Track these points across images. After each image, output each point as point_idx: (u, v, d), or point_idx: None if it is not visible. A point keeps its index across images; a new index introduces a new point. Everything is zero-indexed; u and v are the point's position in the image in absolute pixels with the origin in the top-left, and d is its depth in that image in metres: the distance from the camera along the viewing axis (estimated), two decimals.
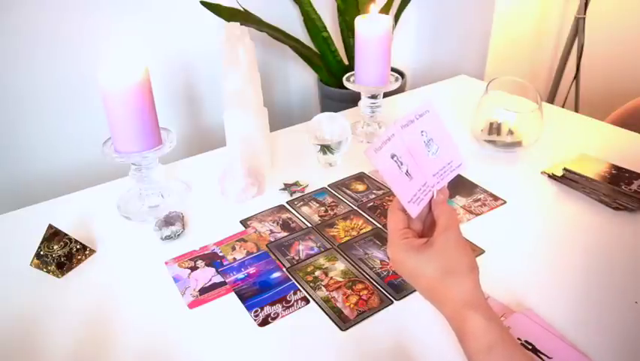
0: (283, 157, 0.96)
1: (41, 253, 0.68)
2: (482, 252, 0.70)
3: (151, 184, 0.81)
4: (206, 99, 1.42)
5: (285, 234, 0.76)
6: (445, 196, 0.51)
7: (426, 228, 0.52)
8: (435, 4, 1.71)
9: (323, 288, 0.65)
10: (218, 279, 0.67)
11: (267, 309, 0.62)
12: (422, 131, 0.50)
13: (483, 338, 0.44)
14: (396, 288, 0.64)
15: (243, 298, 0.64)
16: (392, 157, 0.48)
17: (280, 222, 0.78)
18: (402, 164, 0.49)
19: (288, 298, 0.64)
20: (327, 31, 1.43)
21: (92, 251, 0.73)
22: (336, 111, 0.93)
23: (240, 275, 0.68)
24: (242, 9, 1.29)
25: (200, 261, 0.71)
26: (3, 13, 1.06)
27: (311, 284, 0.66)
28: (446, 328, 0.47)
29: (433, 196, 0.51)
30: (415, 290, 0.63)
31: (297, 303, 0.63)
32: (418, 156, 0.50)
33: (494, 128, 0.95)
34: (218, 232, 0.76)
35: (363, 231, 0.76)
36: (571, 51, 1.74)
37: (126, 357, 0.57)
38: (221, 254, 0.72)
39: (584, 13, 1.66)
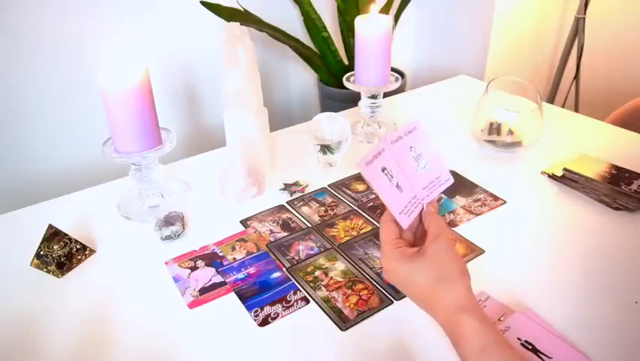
0: (283, 157, 0.96)
1: (41, 253, 0.68)
2: (482, 252, 0.70)
3: (151, 184, 0.81)
4: (206, 99, 1.42)
5: (285, 234, 0.76)
6: (435, 209, 0.54)
7: (417, 238, 0.54)
8: (435, 4, 1.71)
9: (323, 288, 0.65)
10: (218, 279, 0.67)
11: (267, 309, 0.62)
12: (411, 147, 0.53)
13: (476, 340, 0.44)
14: (396, 288, 0.64)
15: (243, 298, 0.64)
16: (383, 170, 0.50)
17: (280, 222, 0.78)
18: (392, 177, 0.51)
19: (288, 298, 0.64)
20: (327, 31, 1.43)
21: (92, 251, 0.73)
22: (336, 111, 0.93)
23: (240, 275, 0.68)
24: (242, 9, 1.29)
25: (200, 261, 0.71)
26: (5, 13, 1.06)
27: (311, 284, 0.66)
28: None
29: (423, 208, 0.53)
30: None
31: (297, 303, 0.63)
32: (407, 171, 0.53)
33: (494, 128, 0.95)
34: (218, 232, 0.76)
35: (363, 231, 0.76)
36: (571, 51, 1.74)
37: (126, 357, 0.57)
38: (221, 254, 0.72)
39: (584, 13, 1.66)
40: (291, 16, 1.46)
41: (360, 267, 0.68)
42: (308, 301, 0.63)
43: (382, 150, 0.51)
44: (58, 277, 0.68)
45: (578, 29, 1.68)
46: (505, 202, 0.81)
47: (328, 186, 0.87)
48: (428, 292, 0.48)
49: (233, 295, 0.65)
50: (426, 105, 1.18)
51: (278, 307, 0.63)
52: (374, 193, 0.85)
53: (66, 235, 0.71)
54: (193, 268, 0.69)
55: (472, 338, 0.44)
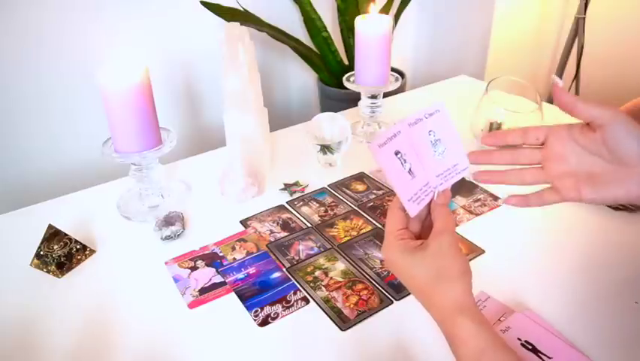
0: (283, 157, 0.96)
1: (41, 253, 0.68)
2: (482, 252, 0.70)
3: (151, 184, 0.81)
4: (206, 99, 1.42)
5: (285, 234, 0.76)
6: (446, 199, 0.51)
7: (424, 229, 0.52)
8: (435, 4, 1.71)
9: (323, 288, 0.65)
10: (218, 279, 0.67)
11: (267, 309, 0.62)
12: (430, 131, 0.50)
13: (473, 343, 0.44)
14: (396, 288, 0.64)
15: (243, 298, 0.64)
16: (396, 154, 0.48)
17: (280, 222, 0.78)
18: (405, 162, 0.48)
19: (288, 298, 0.64)
20: (327, 31, 1.43)
21: (92, 251, 0.73)
22: (336, 111, 0.93)
23: (240, 275, 0.68)
24: (242, 9, 1.29)
25: (200, 261, 0.71)
26: (8, 14, 1.06)
27: (311, 284, 0.66)
28: None
29: (433, 197, 0.51)
30: None
31: (297, 303, 0.63)
32: (423, 156, 0.50)
33: (494, 128, 0.95)
34: (218, 232, 0.76)
35: (363, 231, 0.76)
36: (571, 51, 1.74)
37: (126, 357, 0.57)
38: (221, 254, 0.72)
39: (584, 13, 1.66)
40: (291, 16, 1.46)
41: (360, 267, 0.68)
42: (308, 302, 0.63)
43: (398, 132, 0.48)
44: (58, 277, 0.68)
45: (578, 29, 1.68)
46: None
47: (328, 186, 0.87)
48: (426, 288, 0.47)
49: (233, 295, 0.65)
50: (426, 105, 1.18)
51: (278, 307, 0.63)
52: (374, 193, 0.85)
53: (66, 235, 0.71)
54: (193, 268, 0.69)
55: (468, 341, 0.44)
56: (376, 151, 0.46)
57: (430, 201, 0.51)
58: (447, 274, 0.46)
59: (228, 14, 1.25)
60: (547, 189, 0.52)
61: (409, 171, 0.48)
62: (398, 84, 0.98)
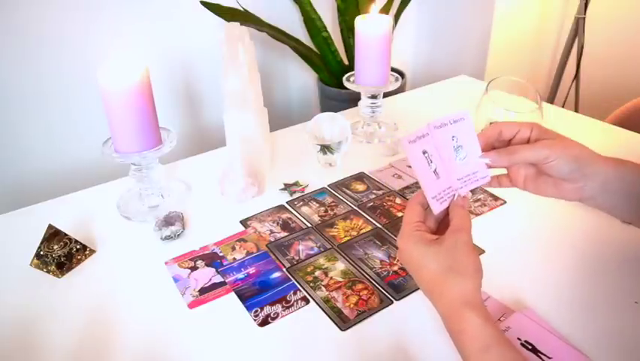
0: (283, 157, 0.96)
1: (41, 253, 0.68)
2: (482, 252, 0.70)
3: (151, 184, 0.81)
4: (206, 99, 1.43)
5: (285, 234, 0.76)
6: (465, 202, 0.53)
7: (440, 229, 0.54)
8: (435, 4, 1.71)
9: (323, 288, 0.65)
10: (218, 279, 0.67)
11: (267, 309, 0.62)
12: (453, 137, 0.53)
13: (480, 337, 0.44)
14: (396, 288, 0.64)
15: (243, 298, 0.64)
16: (423, 153, 0.51)
17: (280, 222, 0.78)
18: (431, 162, 0.52)
19: (288, 298, 0.64)
20: (327, 31, 1.44)
21: (92, 251, 0.73)
22: (336, 111, 0.93)
23: (240, 275, 0.68)
24: (242, 9, 1.29)
25: (200, 261, 0.71)
26: (9, 12, 1.06)
27: (311, 284, 0.66)
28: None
29: (453, 199, 0.53)
30: (415, 290, 0.63)
31: (297, 303, 0.63)
32: (445, 159, 0.53)
33: None
34: (218, 232, 0.76)
35: (363, 231, 0.76)
36: (571, 51, 1.74)
37: (126, 357, 0.57)
38: (221, 254, 0.72)
39: (584, 13, 1.66)
40: (291, 16, 1.47)
41: (360, 267, 0.68)
42: (308, 301, 0.63)
43: (426, 133, 0.51)
44: (58, 277, 0.68)
45: (578, 29, 1.68)
46: (505, 202, 0.81)
47: (328, 186, 0.87)
48: (437, 280, 0.47)
49: (233, 295, 0.65)
50: (426, 105, 1.18)
51: (278, 307, 0.63)
52: (374, 193, 0.85)
53: (66, 235, 0.71)
54: (193, 268, 0.69)
55: (475, 335, 0.44)
56: (406, 147, 0.50)
57: (450, 203, 0.53)
58: (459, 270, 0.47)
59: (228, 14, 1.25)
60: (503, 175, 0.59)
61: (435, 171, 0.52)
62: (398, 84, 0.98)
